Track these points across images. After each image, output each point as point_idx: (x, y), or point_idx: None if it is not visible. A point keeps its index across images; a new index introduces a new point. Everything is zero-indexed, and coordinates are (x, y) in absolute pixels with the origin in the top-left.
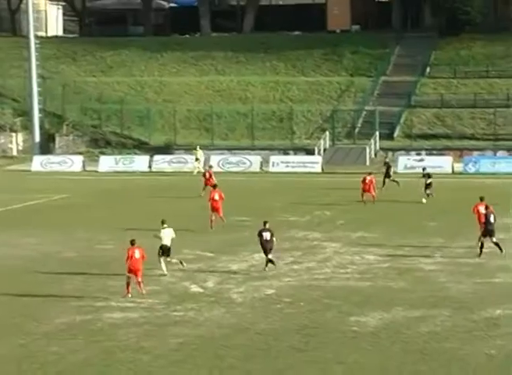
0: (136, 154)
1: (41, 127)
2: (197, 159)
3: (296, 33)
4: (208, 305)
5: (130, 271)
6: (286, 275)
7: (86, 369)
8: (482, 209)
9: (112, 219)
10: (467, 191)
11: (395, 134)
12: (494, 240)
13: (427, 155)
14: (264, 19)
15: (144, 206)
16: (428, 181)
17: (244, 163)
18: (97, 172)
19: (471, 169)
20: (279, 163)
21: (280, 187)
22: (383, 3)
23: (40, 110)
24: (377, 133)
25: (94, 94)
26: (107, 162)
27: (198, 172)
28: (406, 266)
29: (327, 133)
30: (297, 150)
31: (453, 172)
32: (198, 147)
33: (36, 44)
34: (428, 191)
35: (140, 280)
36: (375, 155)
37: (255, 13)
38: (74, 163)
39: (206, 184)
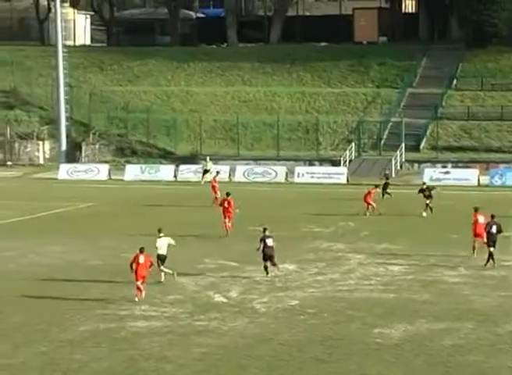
0: (161, 163)
1: (68, 136)
2: (206, 171)
3: (323, 44)
4: (232, 315)
5: (137, 278)
6: (309, 286)
7: None
8: (481, 219)
9: (136, 227)
10: (492, 203)
11: (421, 146)
12: (492, 249)
13: (453, 167)
14: (291, 29)
15: (169, 215)
16: (427, 194)
17: (270, 174)
18: (122, 181)
19: (497, 181)
20: (305, 174)
21: (305, 198)
22: (410, 15)
23: (67, 119)
24: (403, 144)
25: (121, 103)
26: (132, 171)
27: (206, 182)
28: (430, 278)
29: (353, 144)
30: (323, 161)
31: (479, 184)
32: (208, 158)
33: (64, 53)
34: (429, 204)
35: (142, 286)
36: (401, 166)
37: (282, 24)
38: (100, 172)
39: (215, 192)
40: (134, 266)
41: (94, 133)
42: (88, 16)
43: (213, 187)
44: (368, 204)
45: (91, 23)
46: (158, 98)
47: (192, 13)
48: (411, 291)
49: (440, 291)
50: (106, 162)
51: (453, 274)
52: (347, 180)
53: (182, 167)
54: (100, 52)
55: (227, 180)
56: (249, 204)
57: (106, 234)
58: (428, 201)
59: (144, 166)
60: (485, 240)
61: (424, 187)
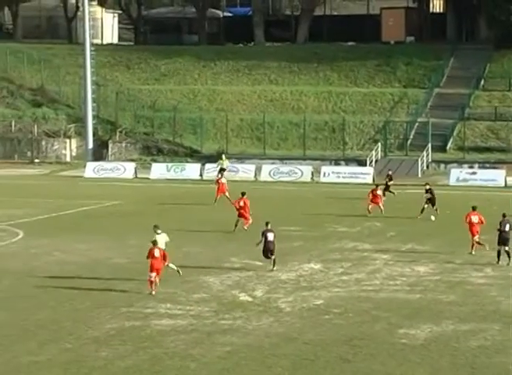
0: (187, 162)
1: (95, 134)
2: (223, 169)
3: (350, 43)
4: (257, 313)
5: (151, 270)
6: (335, 286)
7: None
8: (475, 219)
9: (162, 226)
10: None
11: (448, 147)
12: (507, 248)
13: (480, 168)
14: (318, 29)
15: (194, 214)
16: (429, 197)
17: (296, 173)
18: (148, 179)
19: None
20: (331, 174)
21: (331, 198)
22: (438, 15)
23: (94, 117)
24: (429, 145)
25: (148, 102)
26: (158, 170)
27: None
28: (456, 279)
29: (379, 144)
30: (349, 161)
31: (506, 185)
32: (224, 156)
33: (91, 51)
34: (435, 207)
35: (157, 279)
36: (427, 167)
37: (309, 23)
38: (126, 170)
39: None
40: (149, 259)
41: (120, 132)
42: (116, 15)
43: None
44: (376, 204)
45: (119, 22)
46: (185, 96)
47: (219, 12)
48: (437, 291)
49: (466, 292)
50: (132, 160)
51: (479, 275)
52: (373, 180)
53: (208, 166)
54: (127, 51)
55: (253, 179)
56: (274, 203)
57: (132, 232)
58: (426, 206)
59: (169, 165)
60: (497, 239)
61: (427, 187)
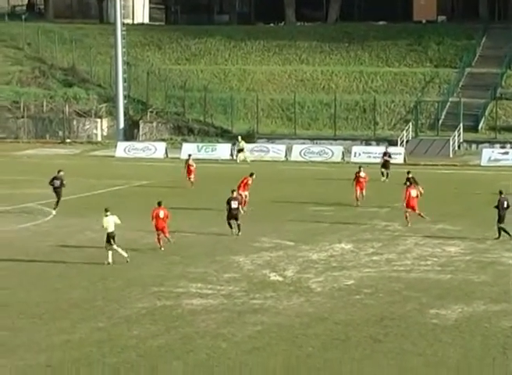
0: (218, 142)
1: (126, 114)
2: (240, 150)
3: (382, 23)
4: (287, 293)
5: (157, 229)
6: (365, 266)
7: (165, 354)
8: (413, 193)
9: (192, 205)
10: None
11: (479, 126)
12: (502, 225)
13: None
14: (350, 8)
15: (224, 194)
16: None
17: (326, 153)
18: (179, 159)
19: None
20: (361, 154)
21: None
22: None
23: (125, 97)
24: (461, 125)
25: (178, 82)
26: (189, 150)
27: (243, 161)
28: (487, 260)
29: (410, 124)
30: (380, 141)
31: None
32: (240, 137)
33: (122, 31)
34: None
35: (166, 236)
36: (459, 147)
37: (340, 3)
38: (157, 150)
39: (189, 174)
40: (154, 220)
41: (151, 112)
42: None
43: (188, 169)
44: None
45: (150, 2)
46: (216, 76)
47: None
48: (468, 272)
49: (498, 273)
50: (163, 140)
51: (511, 256)
52: (404, 161)
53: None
54: (158, 31)
55: (283, 159)
56: (305, 183)
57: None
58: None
59: (200, 145)
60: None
61: (410, 175)
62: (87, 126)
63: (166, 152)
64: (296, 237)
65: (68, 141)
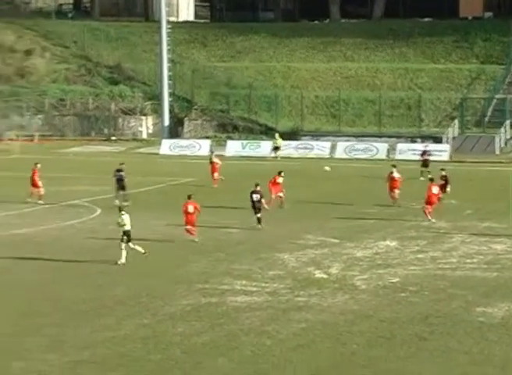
0: (262, 139)
1: (171, 111)
2: (276, 148)
3: (427, 19)
4: (332, 291)
5: (187, 223)
6: (411, 264)
7: (210, 351)
8: (434, 190)
9: (237, 202)
10: None
11: None
12: None
13: None
14: (395, 5)
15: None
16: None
17: (371, 150)
18: (223, 156)
19: None
20: (406, 151)
21: (406, 175)
22: None
23: (170, 94)
24: (507, 122)
25: (223, 79)
26: (234, 147)
27: (277, 158)
28: None
29: (456, 121)
30: (425, 138)
31: None
32: (277, 135)
33: (167, 29)
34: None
35: (193, 229)
36: (505, 144)
37: None
38: (202, 147)
39: (213, 172)
40: (184, 215)
41: (196, 109)
42: None
43: (213, 166)
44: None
45: None
46: (260, 73)
47: None
48: None
49: None
50: (207, 137)
51: None
52: (450, 158)
53: (283, 143)
54: (203, 28)
55: (328, 156)
56: (350, 181)
57: (206, 209)
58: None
59: (245, 142)
60: None
61: (444, 173)
62: (132, 124)
63: (211, 150)
64: (340, 234)
65: (113, 138)
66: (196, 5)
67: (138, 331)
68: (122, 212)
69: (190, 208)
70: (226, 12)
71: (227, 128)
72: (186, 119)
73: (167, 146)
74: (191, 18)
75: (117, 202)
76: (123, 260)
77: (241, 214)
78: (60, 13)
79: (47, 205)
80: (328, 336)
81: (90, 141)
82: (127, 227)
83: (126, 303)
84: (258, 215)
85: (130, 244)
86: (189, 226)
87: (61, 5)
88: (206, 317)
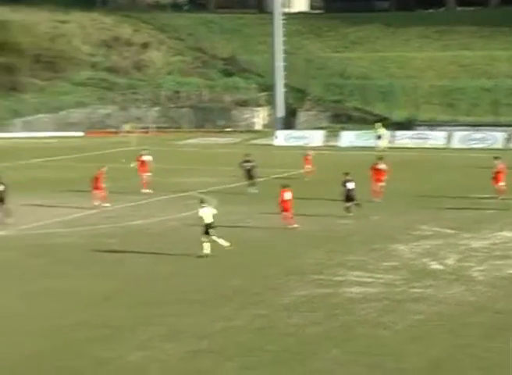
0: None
1: (284, 102)
2: (379, 137)
3: None
4: (448, 282)
5: (284, 210)
6: None
7: (325, 342)
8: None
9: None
10: None
11: None
12: None
13: None
14: None
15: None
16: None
17: (488, 140)
18: (337, 147)
19: None
20: None
21: None
22: None
23: (284, 85)
24: None
25: (337, 70)
26: (348, 138)
27: (383, 150)
28: None
29: None
30: None
31: None
32: (380, 124)
33: (281, 20)
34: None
35: (290, 216)
36: None
37: None
38: (315, 138)
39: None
40: (281, 202)
41: (309, 100)
42: None
43: (306, 158)
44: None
45: None
46: (375, 63)
47: None
48: None
49: None
50: (321, 128)
51: None
52: None
53: (398, 133)
54: (317, 19)
55: (444, 146)
56: (466, 171)
57: (321, 201)
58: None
59: (359, 133)
60: None
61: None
62: (247, 115)
63: (325, 140)
64: (456, 224)
65: (227, 129)
66: None
67: (254, 321)
68: (203, 205)
69: (287, 196)
70: (340, 2)
71: (341, 119)
72: (299, 110)
73: (281, 137)
74: (306, 8)
75: (251, 191)
76: (206, 251)
77: (367, 205)
78: (175, 6)
79: (163, 197)
80: (444, 327)
81: (205, 133)
82: (208, 220)
83: (241, 293)
84: (350, 203)
85: (213, 237)
86: (286, 213)
87: None
88: (320, 308)
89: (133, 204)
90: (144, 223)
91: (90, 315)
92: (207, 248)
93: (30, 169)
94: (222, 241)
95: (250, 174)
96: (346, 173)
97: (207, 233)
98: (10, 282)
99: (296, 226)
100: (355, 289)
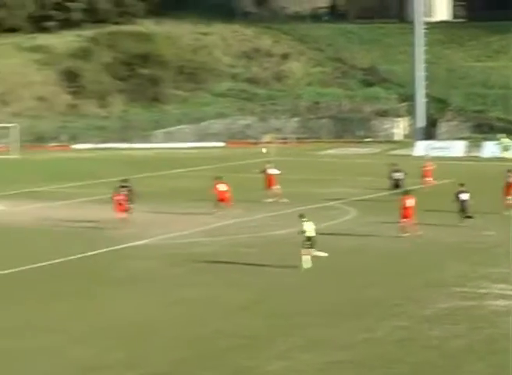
0: None
1: (425, 113)
2: (506, 148)
3: None
4: None
5: (404, 217)
6: None
7: (467, 355)
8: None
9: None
10: None
11: None
12: None
13: None
14: None
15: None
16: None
17: None
18: (479, 157)
19: None
20: None
21: None
22: None
23: (425, 95)
24: None
25: (480, 79)
26: (491, 148)
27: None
28: None
29: None
30: None
31: None
32: (505, 135)
33: (423, 29)
34: None
35: (412, 223)
36: None
37: None
38: (457, 149)
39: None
40: (403, 210)
41: (451, 110)
42: None
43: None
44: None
45: None
46: None
47: None
48: None
49: None
50: (462, 138)
51: None
52: None
53: None
54: (459, 28)
55: None
56: None
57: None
58: None
59: None
60: None
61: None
62: (386, 126)
63: (466, 151)
64: None
65: (367, 140)
66: (454, 5)
67: (394, 333)
68: (304, 219)
69: (409, 203)
70: (484, 11)
71: (483, 129)
72: (440, 120)
73: (421, 147)
74: (447, 17)
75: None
76: (306, 265)
77: (496, 217)
78: (315, 17)
79: (303, 207)
80: None
81: (345, 144)
82: (310, 234)
83: (381, 304)
84: (468, 214)
85: (313, 250)
86: (406, 220)
87: (318, 8)
88: (463, 321)
89: (273, 214)
90: (282, 233)
91: (228, 324)
92: (306, 261)
93: (170, 179)
94: (320, 253)
95: (397, 185)
96: (462, 184)
97: (310, 246)
98: (152, 291)
99: (420, 233)
100: (499, 302)
